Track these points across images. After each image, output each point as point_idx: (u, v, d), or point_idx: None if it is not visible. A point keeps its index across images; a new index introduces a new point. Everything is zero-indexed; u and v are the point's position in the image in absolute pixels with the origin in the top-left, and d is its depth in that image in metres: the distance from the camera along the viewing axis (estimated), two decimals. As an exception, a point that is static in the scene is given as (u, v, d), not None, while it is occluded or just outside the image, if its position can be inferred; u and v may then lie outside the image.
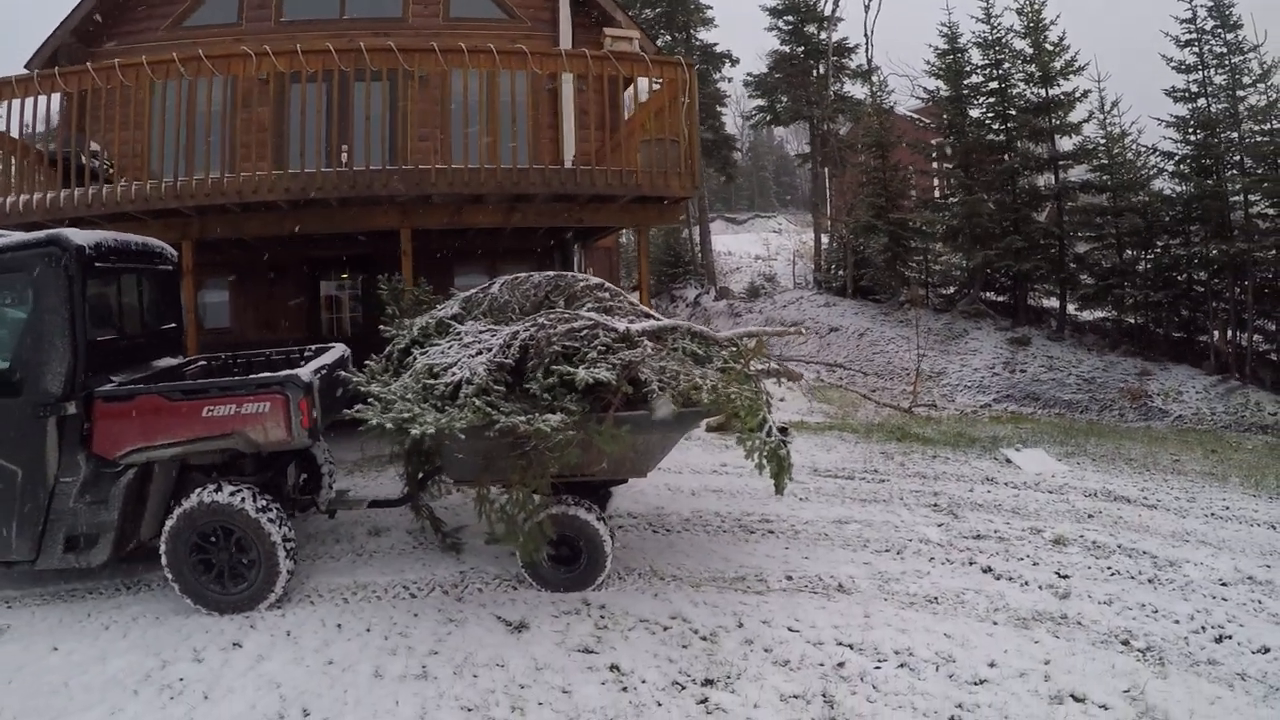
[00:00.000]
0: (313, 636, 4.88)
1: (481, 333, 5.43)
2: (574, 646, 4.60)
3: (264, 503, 5.26)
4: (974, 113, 20.00)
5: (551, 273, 6.30)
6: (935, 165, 21.81)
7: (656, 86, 9.53)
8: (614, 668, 4.36)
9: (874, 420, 12.10)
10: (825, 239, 25.97)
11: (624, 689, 4.14)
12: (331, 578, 5.74)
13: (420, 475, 6.06)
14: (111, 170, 9.20)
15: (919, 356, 15.66)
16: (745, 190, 59.04)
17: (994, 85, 19.48)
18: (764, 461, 4.79)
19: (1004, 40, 19.45)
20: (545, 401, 4.83)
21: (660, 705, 3.99)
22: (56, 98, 8.62)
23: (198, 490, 5.21)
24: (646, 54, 10.42)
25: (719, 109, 30.85)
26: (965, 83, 19.95)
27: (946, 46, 20.41)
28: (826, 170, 26.95)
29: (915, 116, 26.95)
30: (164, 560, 5.18)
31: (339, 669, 4.49)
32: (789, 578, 5.42)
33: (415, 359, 5.38)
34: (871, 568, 5.61)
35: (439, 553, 6.13)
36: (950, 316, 18.74)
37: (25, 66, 11.22)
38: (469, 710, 4.03)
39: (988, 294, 19.99)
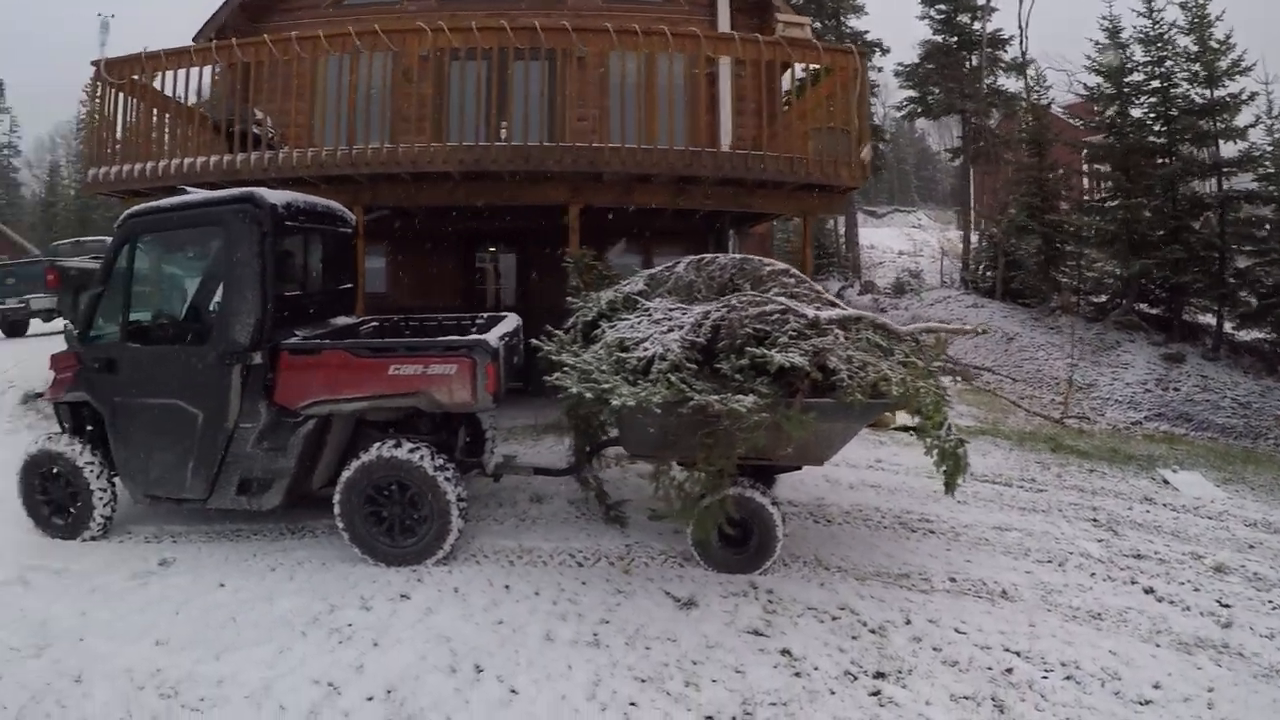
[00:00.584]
0: (481, 595, 4.95)
1: (671, 310, 5.41)
2: (744, 628, 4.57)
3: (441, 461, 5.38)
4: (1135, 112, 18.93)
5: (737, 255, 6.23)
6: (1086, 165, 20.83)
7: (806, 73, 9.36)
8: (785, 652, 4.32)
9: (1025, 428, 11.70)
10: (974, 237, 25.09)
11: (796, 674, 4.12)
12: (496, 540, 5.84)
13: (589, 447, 6.09)
14: (276, 138, 9.63)
15: (1071, 367, 15.02)
16: (885, 183, 57.35)
17: (1155, 84, 18.40)
18: (943, 460, 4.79)
19: (1166, 36, 18.35)
20: (736, 382, 4.79)
21: (833, 694, 3.96)
22: (209, 70, 9.10)
23: (377, 444, 5.37)
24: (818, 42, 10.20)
25: (869, 98, 30.04)
26: (1126, 80, 18.91)
27: (1107, 41, 19.49)
28: (974, 166, 26.02)
29: (1064, 114, 25.82)
30: (337, 509, 5.38)
31: (509, 629, 4.55)
32: (952, 579, 5.34)
33: (604, 332, 5.40)
34: (1034, 577, 5.47)
35: (602, 524, 6.16)
36: (1102, 326, 17.80)
37: (192, 40, 11.71)
38: (643, 681, 4.04)
39: (1140, 305, 18.88)
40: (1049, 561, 5.81)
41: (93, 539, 5.89)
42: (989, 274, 22.51)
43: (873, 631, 4.58)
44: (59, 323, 15.24)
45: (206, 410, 5.51)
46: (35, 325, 15.62)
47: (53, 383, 6.03)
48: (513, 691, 3.99)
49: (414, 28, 8.34)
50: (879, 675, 4.14)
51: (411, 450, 5.34)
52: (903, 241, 32.26)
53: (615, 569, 5.42)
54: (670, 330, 5.11)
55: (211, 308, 6.04)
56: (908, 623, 4.70)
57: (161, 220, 5.78)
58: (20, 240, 36.72)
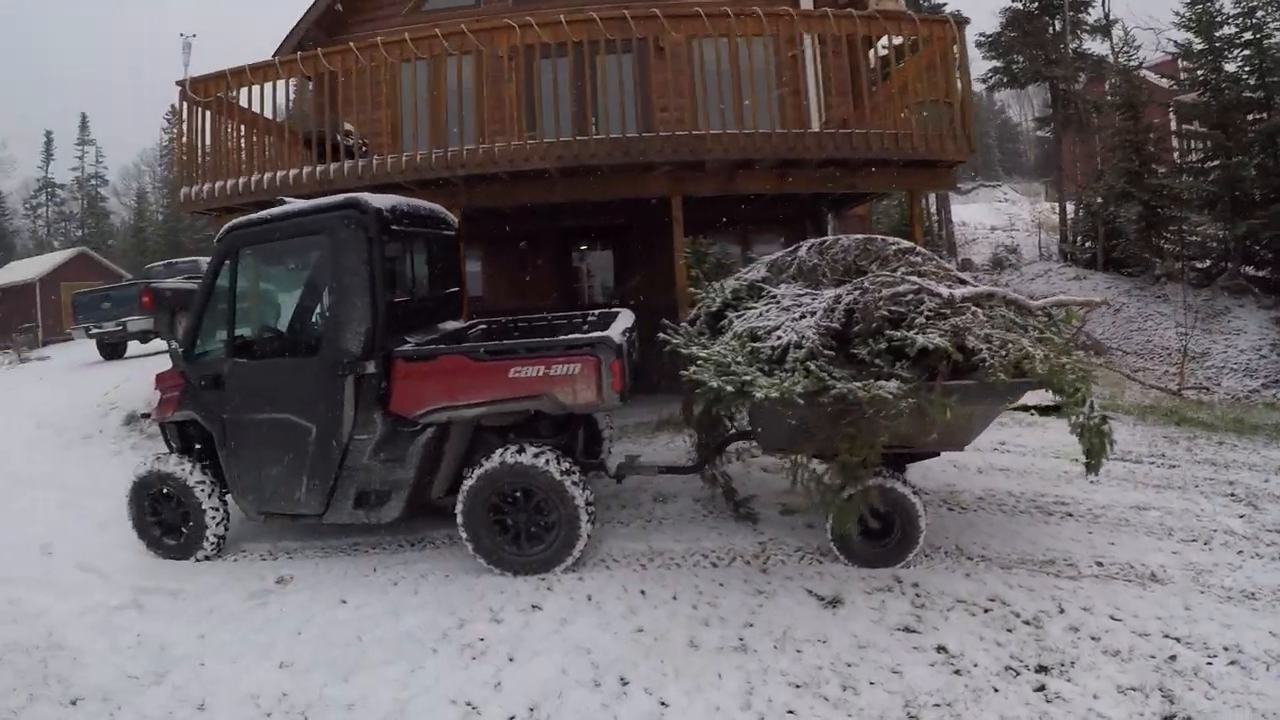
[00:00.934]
0: (616, 602, 4.78)
1: (799, 296, 5.20)
2: (894, 625, 4.38)
3: (567, 465, 5.20)
4: (1229, 67, 18.06)
5: (860, 236, 5.94)
6: (1177, 125, 19.93)
7: (890, 47, 9.05)
8: (941, 649, 4.13)
9: (1143, 401, 11.21)
10: (1069, 207, 24.21)
11: (956, 671, 3.93)
12: (624, 543, 5.68)
13: (714, 443, 5.92)
14: (363, 148, 9.62)
15: (1184, 336, 14.40)
16: (970, 159, 56.24)
17: (1248, 36, 17.56)
18: (1088, 439, 4.56)
19: None
20: (876, 368, 4.60)
21: (997, 691, 3.77)
22: (291, 85, 9.09)
23: (500, 451, 5.20)
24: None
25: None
26: (1218, 34, 18.09)
27: None
28: (1064, 134, 25.07)
29: (1153, 75, 24.79)
30: (460, 519, 5.23)
31: (650, 637, 4.37)
32: (1099, 563, 5.08)
33: (731, 322, 5.23)
34: (1181, 557, 5.21)
35: (732, 522, 5.97)
36: (1210, 292, 17.06)
37: (273, 57, 11.77)
38: (798, 687, 3.87)
39: (1246, 268, 18.00)
40: (1194, 540, 5.53)
41: (206, 559, 5.83)
42: (1088, 245, 21.74)
43: (1027, 623, 4.37)
44: (156, 344, 15.63)
45: (319, 423, 5.39)
46: (133, 347, 15.94)
47: (159, 403, 5.98)
48: (663, 704, 3.81)
49: (502, 25, 8.20)
50: (1041, 669, 3.94)
51: (536, 455, 5.15)
52: (993, 216, 31.35)
53: (752, 568, 5.22)
54: (802, 316, 4.91)
55: (317, 319, 5.94)
56: (1061, 611, 4.47)
57: (264, 231, 5.65)
58: (113, 266, 37.96)
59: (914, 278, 5.01)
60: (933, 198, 27.69)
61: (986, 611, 4.50)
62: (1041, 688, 3.79)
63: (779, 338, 4.79)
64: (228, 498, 5.86)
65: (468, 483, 5.21)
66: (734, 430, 5.97)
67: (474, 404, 5.20)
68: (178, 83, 8.76)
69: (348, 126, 9.46)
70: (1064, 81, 24.02)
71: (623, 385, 5.15)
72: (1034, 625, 4.35)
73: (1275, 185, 16.51)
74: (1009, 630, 4.31)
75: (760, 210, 11.46)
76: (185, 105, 8.75)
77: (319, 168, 8.36)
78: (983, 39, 27.07)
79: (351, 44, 8.50)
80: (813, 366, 4.54)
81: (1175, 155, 20.15)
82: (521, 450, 5.18)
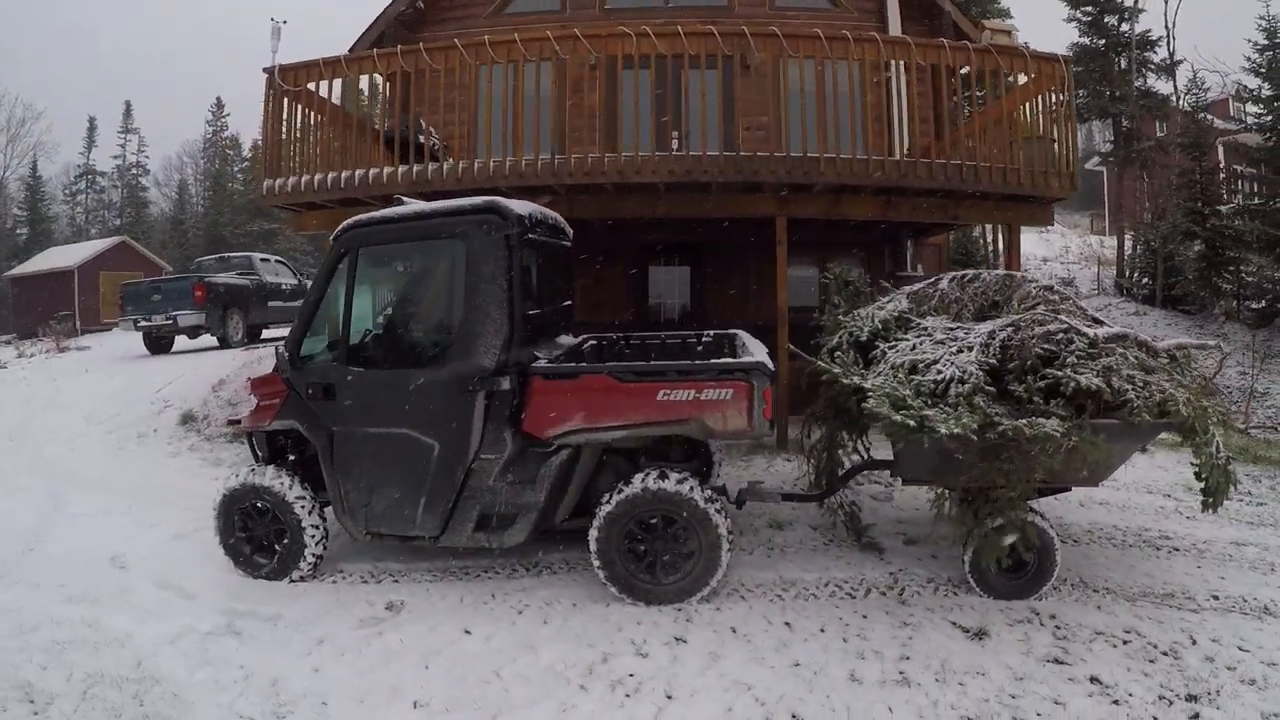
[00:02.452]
0: (764, 635, 4.57)
1: (950, 329, 5.16)
2: (1043, 657, 4.32)
3: (710, 492, 4.98)
4: None
5: (1000, 272, 6.01)
6: (1231, 166, 19.94)
7: (989, 77, 8.99)
8: (1094, 680, 4.09)
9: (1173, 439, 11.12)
10: (1127, 242, 24.18)
11: (1115, 702, 3.89)
12: (753, 572, 5.47)
13: (841, 472, 5.80)
14: (441, 149, 9.46)
15: (1253, 376, 14.32)
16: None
17: None
18: (1214, 477, 4.68)
19: None
20: (1034, 405, 4.61)
21: (1156, 719, 3.77)
22: (368, 81, 8.88)
23: (641, 476, 4.94)
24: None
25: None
26: None
27: (1266, 41, 18.78)
28: (1124, 171, 25.04)
29: (1206, 115, 24.73)
30: (594, 546, 4.95)
31: (809, 671, 4.19)
32: (1215, 597, 5.12)
33: (883, 352, 5.15)
34: None
35: (856, 551, 5.87)
36: (1268, 333, 17.01)
37: (350, 50, 11.56)
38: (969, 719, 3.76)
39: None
40: None
41: (302, 579, 5.39)
42: (1145, 280, 21.62)
43: (1165, 654, 4.37)
44: (205, 340, 15.48)
45: (443, 440, 5.03)
46: (180, 342, 15.68)
47: (256, 409, 5.55)
48: None
49: (588, 33, 8.06)
50: (1191, 698, 3.94)
51: (680, 481, 4.90)
52: (1043, 248, 31.15)
53: (888, 599, 5.11)
54: (959, 351, 4.86)
55: (445, 329, 5.53)
56: (1193, 643, 4.48)
57: (389, 231, 5.30)
58: (154, 257, 37.78)
59: (1064, 318, 5.06)
60: (998, 230, 27.57)
61: (1126, 643, 4.49)
62: (1195, 715, 3.80)
63: (939, 371, 4.75)
64: (327, 513, 5.51)
65: (605, 508, 4.93)
66: (866, 458, 5.86)
67: (616, 426, 4.92)
68: (265, 70, 8.53)
69: (425, 125, 9.31)
70: (1128, 119, 23.95)
71: (773, 413, 4.96)
72: (1172, 656, 4.35)
73: None
74: (1151, 661, 4.30)
75: (841, 234, 11.41)
76: (272, 94, 8.50)
77: (415, 168, 8.15)
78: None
79: (457, 41, 8.31)
80: (978, 402, 4.54)
81: (1238, 196, 20.11)
82: (664, 476, 4.92)
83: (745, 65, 8.75)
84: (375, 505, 5.19)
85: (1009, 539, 4.76)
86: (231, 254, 18.11)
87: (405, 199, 5.65)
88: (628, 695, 4.01)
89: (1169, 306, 19.82)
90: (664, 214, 8.59)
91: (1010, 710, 3.82)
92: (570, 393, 4.94)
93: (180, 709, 3.95)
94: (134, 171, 57.32)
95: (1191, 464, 4.87)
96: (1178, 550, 5.97)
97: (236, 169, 53.73)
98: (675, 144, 8.72)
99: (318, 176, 8.37)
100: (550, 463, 5.02)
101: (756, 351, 5.45)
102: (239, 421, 5.90)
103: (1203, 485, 4.79)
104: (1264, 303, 18.43)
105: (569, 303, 6.68)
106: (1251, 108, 19.32)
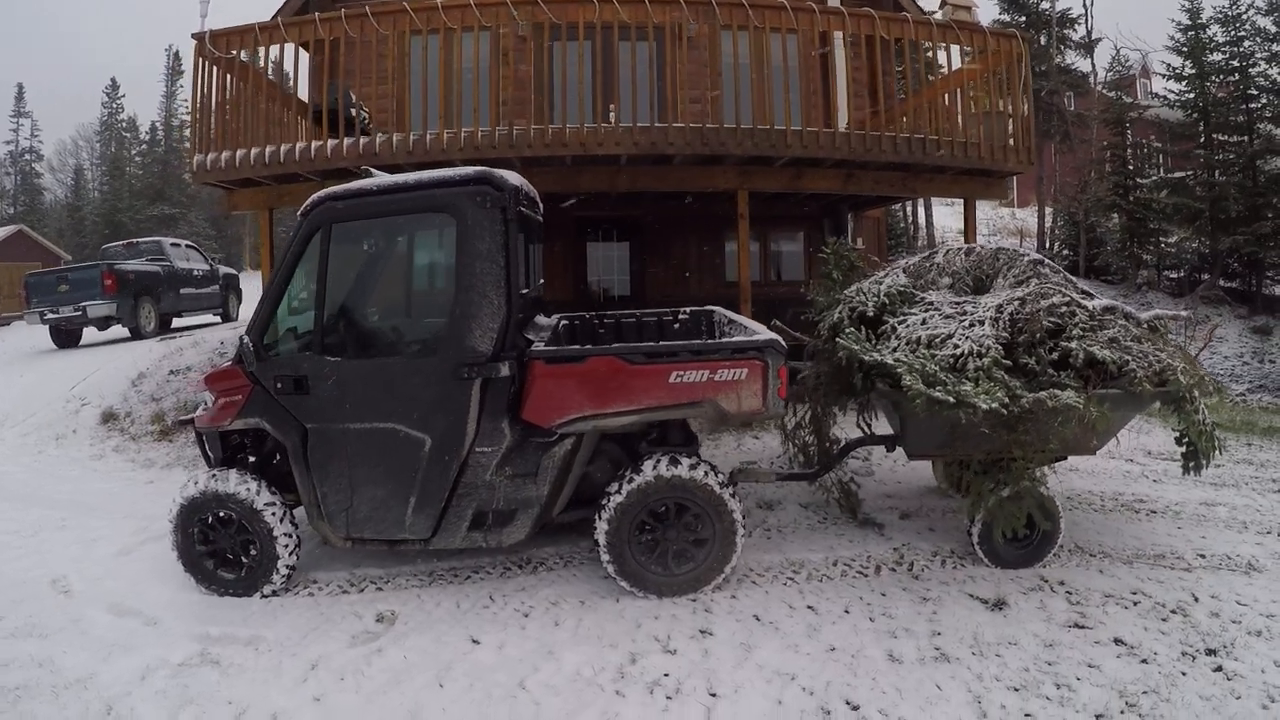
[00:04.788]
0: (789, 620, 4.43)
1: (957, 304, 5.12)
2: (1064, 622, 4.37)
3: (723, 477, 4.74)
4: (1217, 93, 19.17)
5: (993, 245, 6.00)
6: (1134, 141, 20.76)
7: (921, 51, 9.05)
8: (1119, 641, 4.16)
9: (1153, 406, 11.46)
10: (1048, 215, 24.88)
11: (1143, 661, 3.98)
12: (758, 555, 5.32)
13: (838, 449, 5.69)
14: (370, 124, 9.00)
15: (1188, 341, 14.84)
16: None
17: (1235, 64, 18.65)
18: (1200, 442, 4.88)
19: (1244, 17, 18.60)
20: (1047, 377, 4.68)
21: (1185, 675, 3.86)
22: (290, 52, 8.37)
23: (652, 463, 4.67)
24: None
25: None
26: (1207, 60, 19.02)
27: (1189, 21, 19.47)
28: (1043, 146, 25.73)
29: (1117, 93, 25.61)
30: (602, 539, 4.66)
31: (847, 655, 4.06)
32: (1201, 555, 5.32)
33: (892, 327, 5.07)
34: (1266, 548, 5.47)
35: (853, 528, 5.83)
36: (1188, 301, 17.70)
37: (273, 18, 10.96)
38: (1017, 690, 3.74)
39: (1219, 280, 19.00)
40: (1269, 533, 5.82)
41: (274, 594, 4.88)
42: (1066, 252, 22.38)
43: (1174, 612, 4.50)
44: (115, 331, 14.55)
45: (434, 434, 4.61)
46: (89, 335, 14.62)
47: (216, 407, 4.93)
48: None
49: (517, 1, 7.67)
50: (1210, 652, 4.07)
51: (693, 467, 4.67)
52: (955, 220, 31.87)
53: (899, 574, 5.07)
54: (971, 325, 4.85)
55: (434, 312, 5.16)
56: (1196, 600, 4.63)
57: (368, 205, 4.77)
58: (53, 247, 35.53)
59: (1066, 291, 5.16)
60: (917, 205, 28.10)
61: (1136, 604, 4.58)
62: (1219, 668, 3.91)
63: (955, 346, 4.73)
64: (298, 517, 5.01)
65: (616, 499, 4.63)
66: (868, 434, 5.74)
67: (626, 412, 4.59)
68: (194, 35, 7.90)
69: (354, 99, 8.81)
70: (1048, 94, 24.55)
71: (787, 393, 4.72)
72: (1182, 614, 4.46)
73: (1253, 205, 17.39)
74: (1164, 620, 4.40)
75: (783, 208, 11.45)
76: (203, 62, 7.87)
77: (362, 140, 7.65)
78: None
79: (368, 9, 7.80)
80: (997, 375, 4.54)
81: (1156, 170, 21.05)
82: (675, 462, 4.67)
83: (682, 37, 8.48)
84: (358, 508, 4.74)
85: (1025, 509, 4.77)
86: (140, 239, 16.99)
87: (374, 171, 5.13)
88: (669, 697, 3.76)
89: (1092, 276, 20.65)
90: (624, 188, 8.37)
91: (1051, 677, 3.83)
92: (575, 377, 4.59)
93: (172, 762, 3.42)
94: (27, 157, 55.42)
95: (1173, 430, 5.06)
96: (1155, 513, 6.16)
97: (135, 152, 51.80)
98: (612, 117, 8.41)
99: (254, 151, 7.78)
100: (553, 453, 4.66)
101: (752, 327, 5.23)
102: (190, 421, 5.24)
103: (1184, 450, 4.99)
104: (1182, 272, 19.27)
105: (542, 280, 6.32)
106: (1173, 85, 20.07)
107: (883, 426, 5.80)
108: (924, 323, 4.97)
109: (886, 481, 6.78)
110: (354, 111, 8.23)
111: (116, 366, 11.07)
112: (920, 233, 28.69)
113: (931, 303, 5.21)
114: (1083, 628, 4.30)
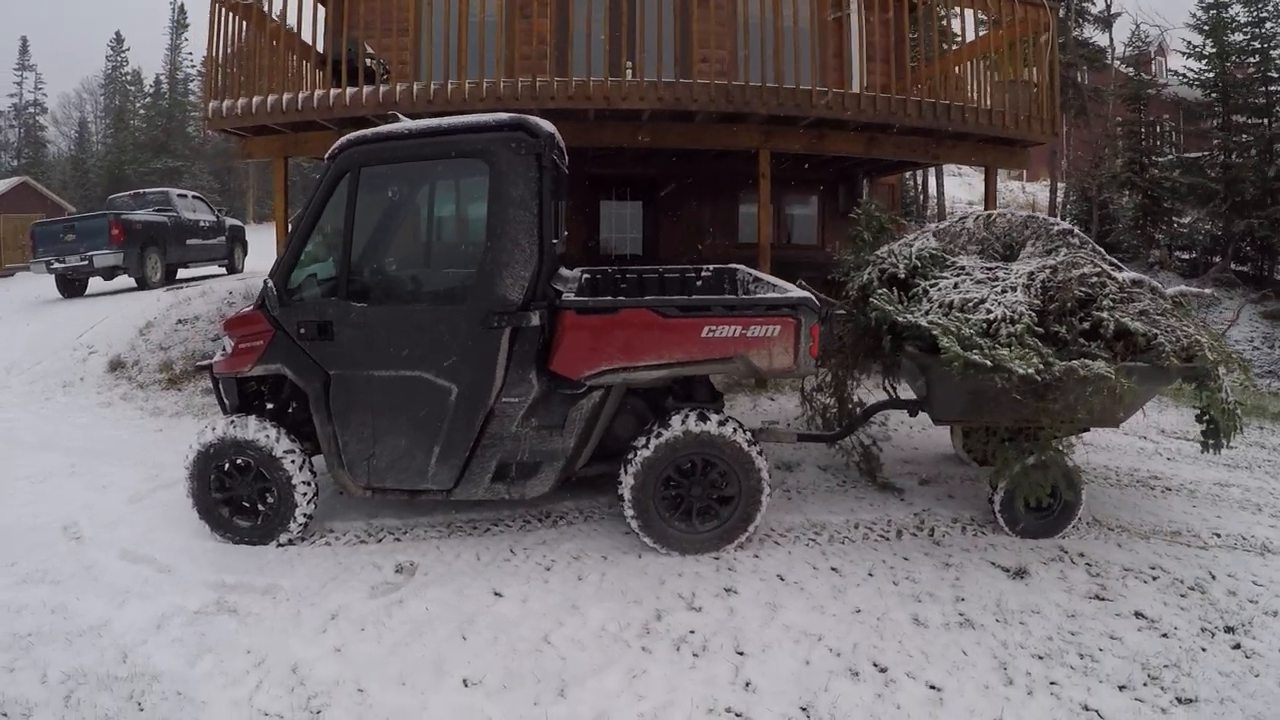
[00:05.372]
0: (814, 581, 4.41)
1: (989, 269, 5.06)
2: (1085, 594, 4.36)
3: (750, 434, 4.69)
4: (1237, 73, 18.88)
5: (1023, 213, 5.97)
6: (1159, 120, 20.52)
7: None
8: (1139, 614, 4.16)
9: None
10: (1060, 190, 24.69)
11: (1164, 635, 3.97)
12: (779, 515, 5.28)
13: (861, 412, 5.65)
14: (388, 75, 8.89)
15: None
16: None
17: (1256, 45, 18.33)
18: (1223, 418, 4.86)
19: None
20: (1079, 346, 4.65)
21: (1205, 650, 3.85)
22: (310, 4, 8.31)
23: (679, 418, 4.62)
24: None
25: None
26: (1228, 40, 18.71)
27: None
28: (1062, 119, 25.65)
29: (1132, 69, 25.37)
30: (627, 495, 4.60)
31: (873, 618, 4.05)
32: (1216, 534, 5.28)
33: (924, 290, 5.01)
34: None
35: (874, 492, 5.80)
36: (1199, 283, 17.59)
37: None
38: (1040, 658, 3.74)
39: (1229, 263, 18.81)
40: None
41: (290, 543, 4.83)
42: (1076, 228, 22.17)
43: (1192, 588, 4.48)
44: (121, 281, 14.46)
45: (461, 382, 4.53)
46: (94, 284, 14.49)
47: (234, 352, 4.84)
48: (932, 688, 3.53)
49: None
50: (1229, 630, 4.06)
51: (722, 423, 4.60)
52: (967, 191, 31.76)
53: (920, 540, 5.04)
54: (1004, 291, 4.78)
55: (464, 258, 5.06)
56: (1213, 578, 4.61)
57: (399, 149, 4.66)
58: (56, 198, 35.42)
59: (1096, 261, 5.12)
60: (928, 174, 27.95)
61: (1155, 579, 4.57)
62: (1238, 645, 3.91)
63: (988, 311, 4.65)
64: (317, 465, 4.95)
65: (644, 453, 4.58)
66: (893, 397, 5.71)
67: (656, 365, 4.53)
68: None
69: (370, 50, 8.71)
70: (1065, 68, 24.29)
71: (819, 351, 4.69)
72: (1199, 590, 4.45)
73: (1270, 188, 17.19)
74: (1182, 595, 4.39)
75: (798, 171, 11.39)
76: (219, 7, 7.79)
77: (381, 89, 7.54)
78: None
79: None
80: (1030, 342, 4.49)
81: (1171, 150, 20.83)
82: (704, 418, 4.61)
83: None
84: (380, 457, 4.68)
85: (1050, 478, 4.75)
86: (147, 189, 16.86)
87: (401, 116, 5.03)
88: (695, 655, 3.72)
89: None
90: (645, 144, 8.26)
91: (1075, 647, 3.83)
92: (607, 329, 4.52)
93: (191, 711, 3.34)
94: (31, 110, 55.26)
95: (1194, 407, 5.07)
96: (1170, 490, 6.11)
97: (139, 105, 51.55)
98: (629, 74, 8.30)
99: (270, 98, 7.66)
100: (581, 405, 4.60)
101: (781, 285, 5.19)
102: (208, 367, 5.15)
103: (1205, 427, 4.95)
104: (1194, 253, 19.12)
105: (566, 234, 6.25)
106: (1193, 63, 19.76)
107: (906, 391, 5.76)
108: (956, 287, 4.91)
109: (904, 447, 6.75)
110: (370, 62, 8.12)
111: (123, 316, 10.98)
112: (930, 202, 28.50)
113: (963, 267, 5.15)
114: (1103, 599, 4.28)
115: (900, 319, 4.76)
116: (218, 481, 4.77)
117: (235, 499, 4.81)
